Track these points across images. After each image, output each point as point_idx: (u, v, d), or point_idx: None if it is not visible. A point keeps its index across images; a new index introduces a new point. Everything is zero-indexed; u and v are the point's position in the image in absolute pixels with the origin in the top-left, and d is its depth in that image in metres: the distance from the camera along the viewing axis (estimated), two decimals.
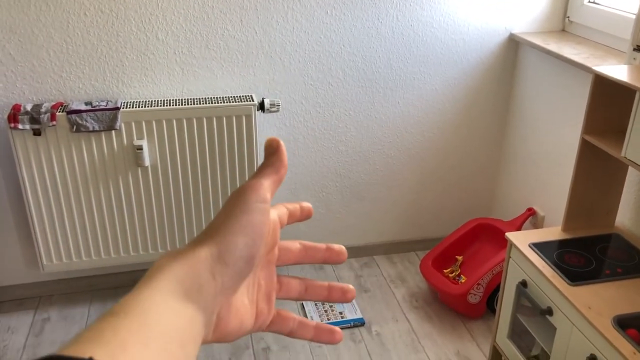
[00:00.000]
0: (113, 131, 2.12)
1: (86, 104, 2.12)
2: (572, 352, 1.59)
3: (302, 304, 2.40)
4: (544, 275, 1.70)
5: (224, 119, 2.18)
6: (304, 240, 0.47)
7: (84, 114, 2.07)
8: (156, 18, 2.12)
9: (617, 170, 1.83)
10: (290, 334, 0.46)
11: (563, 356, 1.64)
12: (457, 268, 2.47)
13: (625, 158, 1.56)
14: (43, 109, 2.05)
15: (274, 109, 2.28)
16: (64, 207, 2.19)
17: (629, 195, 1.92)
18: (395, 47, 2.37)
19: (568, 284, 1.64)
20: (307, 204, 0.46)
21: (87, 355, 0.28)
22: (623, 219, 1.95)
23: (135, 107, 2.13)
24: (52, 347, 2.21)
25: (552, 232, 1.91)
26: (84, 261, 2.29)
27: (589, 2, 2.25)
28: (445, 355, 2.19)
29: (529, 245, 1.82)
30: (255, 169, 0.42)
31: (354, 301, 2.44)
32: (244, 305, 0.42)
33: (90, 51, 2.12)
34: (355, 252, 2.74)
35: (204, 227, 2.37)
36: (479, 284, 2.25)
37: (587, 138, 1.72)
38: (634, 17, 1.81)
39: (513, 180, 2.61)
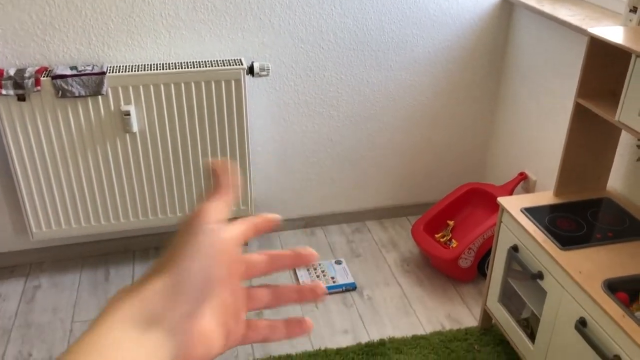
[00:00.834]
0: (100, 96, 2.07)
1: (71, 68, 2.07)
2: (562, 316, 1.61)
3: (295, 270, 2.40)
4: (535, 239, 1.70)
5: (213, 83, 2.14)
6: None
7: (69, 79, 2.02)
8: None
9: (609, 134, 1.82)
10: (265, 340, 0.46)
11: (553, 320, 1.65)
12: (449, 233, 2.47)
13: (619, 122, 1.55)
14: (27, 74, 2.00)
15: (263, 73, 2.24)
16: (52, 174, 2.16)
17: (621, 159, 1.91)
18: (387, 8, 2.32)
19: (559, 248, 1.65)
20: (273, 215, 0.46)
21: None
22: (614, 183, 1.95)
23: (122, 72, 2.08)
24: (43, 313, 2.21)
25: (544, 197, 1.91)
26: (74, 228, 2.28)
27: None
28: (436, 319, 2.22)
29: (521, 210, 1.82)
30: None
31: (345, 265, 2.45)
32: (211, 329, 0.42)
33: (74, 14, 2.06)
34: (346, 217, 2.74)
35: (193, 193, 2.35)
36: (470, 249, 2.26)
37: (581, 102, 1.70)
38: None
39: (505, 145, 2.60)
